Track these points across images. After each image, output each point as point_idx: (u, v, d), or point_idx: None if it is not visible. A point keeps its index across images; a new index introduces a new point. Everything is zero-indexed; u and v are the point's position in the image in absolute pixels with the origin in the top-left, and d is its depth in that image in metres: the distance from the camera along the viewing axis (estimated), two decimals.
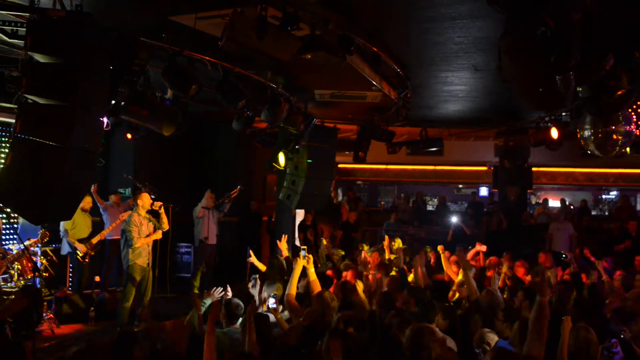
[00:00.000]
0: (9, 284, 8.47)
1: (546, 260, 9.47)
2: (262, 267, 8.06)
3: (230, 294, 6.63)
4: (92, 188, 10.06)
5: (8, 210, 9.11)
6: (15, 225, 10.15)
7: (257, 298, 6.68)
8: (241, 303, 6.24)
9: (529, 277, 8.35)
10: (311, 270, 6.57)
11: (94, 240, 9.82)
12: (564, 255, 9.08)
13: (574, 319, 4.76)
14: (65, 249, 9.93)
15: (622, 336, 5.15)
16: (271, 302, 6.02)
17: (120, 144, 11.66)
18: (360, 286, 7.26)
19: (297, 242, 14.38)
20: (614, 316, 6.36)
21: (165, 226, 9.31)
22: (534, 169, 15.96)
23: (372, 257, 9.35)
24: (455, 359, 4.45)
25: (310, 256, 6.69)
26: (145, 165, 12.24)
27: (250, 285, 6.67)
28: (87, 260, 9.72)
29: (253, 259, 8.16)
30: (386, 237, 10.68)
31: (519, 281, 8.32)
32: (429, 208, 20.11)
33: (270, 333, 5.28)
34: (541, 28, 4.40)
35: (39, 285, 8.75)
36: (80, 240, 9.71)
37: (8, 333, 7.09)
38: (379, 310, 6.10)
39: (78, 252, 9.65)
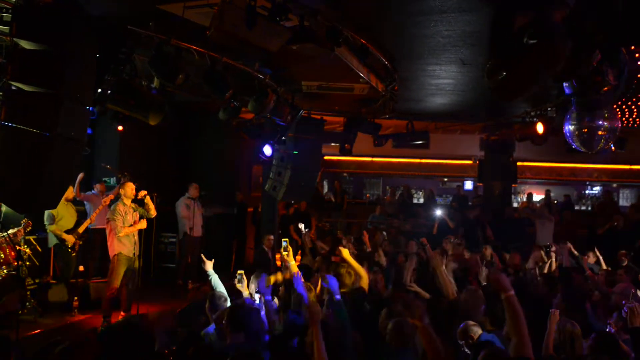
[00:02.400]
0: None
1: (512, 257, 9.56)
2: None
3: (209, 266, 6.67)
4: (79, 176, 9.99)
5: None
6: None
7: (243, 292, 6.67)
8: (225, 294, 6.24)
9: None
10: (292, 263, 6.60)
11: (81, 230, 9.73)
12: (550, 249, 9.14)
13: (560, 312, 4.81)
14: (52, 241, 9.83)
15: (607, 329, 5.21)
16: (257, 297, 6.02)
17: (106, 133, 11.57)
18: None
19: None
20: (598, 310, 6.43)
21: (153, 213, 9.29)
22: (518, 163, 16.06)
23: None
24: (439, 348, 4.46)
25: (291, 248, 6.72)
26: (130, 154, 12.17)
27: (236, 281, 6.65)
28: (76, 249, 9.64)
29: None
30: (365, 232, 10.75)
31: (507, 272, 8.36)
32: (415, 201, 20.18)
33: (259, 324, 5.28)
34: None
35: (22, 275, 8.68)
36: (67, 231, 9.62)
37: None
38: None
39: (67, 243, 9.56)
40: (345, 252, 6.79)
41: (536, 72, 4.95)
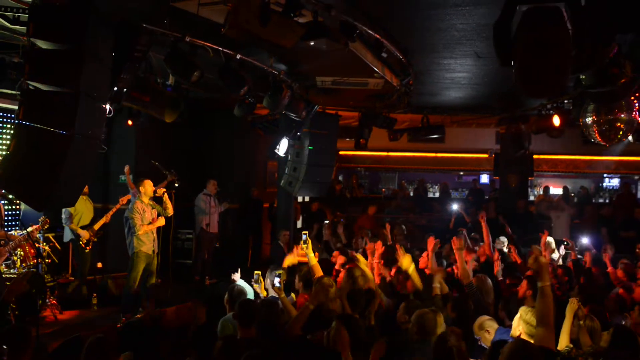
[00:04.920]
0: (11, 270, 8.52)
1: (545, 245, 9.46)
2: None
3: (238, 277, 6.72)
4: (126, 168, 10.04)
5: (11, 196, 9.12)
6: (17, 212, 10.18)
7: (260, 292, 6.69)
8: (244, 289, 6.28)
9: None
10: (311, 255, 6.62)
11: (96, 227, 9.82)
12: (565, 243, 9.09)
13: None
14: (67, 236, 9.93)
15: (622, 322, 5.18)
16: (276, 282, 6.03)
17: (122, 131, 11.63)
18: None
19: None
20: (616, 304, 6.39)
21: (170, 212, 9.34)
22: (535, 156, 15.94)
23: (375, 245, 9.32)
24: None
25: (310, 241, 6.73)
26: (146, 151, 12.22)
27: (253, 281, 6.68)
28: (90, 246, 9.73)
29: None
30: (387, 224, 10.70)
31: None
32: (430, 195, 20.11)
33: (279, 319, 5.30)
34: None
35: (41, 272, 8.78)
36: (84, 227, 9.71)
37: (11, 319, 7.17)
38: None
39: (81, 239, 9.66)
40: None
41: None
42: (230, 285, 6.28)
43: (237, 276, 6.84)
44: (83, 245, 9.68)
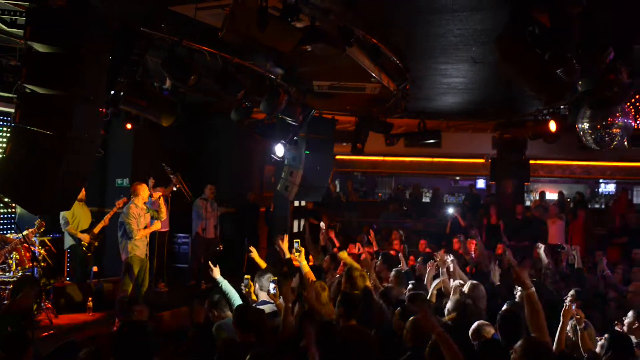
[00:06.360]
0: (7, 274, 8.49)
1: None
2: (262, 264, 7.75)
3: (216, 271, 6.69)
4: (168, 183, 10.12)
5: (7, 199, 9.09)
6: (13, 215, 10.16)
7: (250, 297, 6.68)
8: (228, 293, 6.29)
9: None
10: (304, 262, 6.63)
11: (96, 230, 9.79)
12: (561, 248, 9.09)
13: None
14: (67, 242, 9.90)
15: (614, 327, 5.19)
16: (271, 288, 6.03)
17: (119, 134, 11.61)
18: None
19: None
20: (613, 309, 6.41)
21: (163, 216, 9.33)
22: (531, 161, 15.96)
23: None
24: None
25: (303, 249, 6.75)
26: (143, 155, 12.22)
27: (243, 286, 6.66)
28: (92, 249, 9.70)
29: (254, 254, 7.85)
30: (371, 231, 10.79)
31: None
32: (426, 200, 20.13)
33: (264, 325, 5.29)
34: (530, 27, 4.48)
35: (37, 275, 8.75)
36: (83, 231, 9.69)
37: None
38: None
39: (83, 243, 9.63)
40: (344, 255, 6.90)
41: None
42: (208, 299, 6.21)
43: (216, 271, 6.78)
44: (84, 250, 9.65)
